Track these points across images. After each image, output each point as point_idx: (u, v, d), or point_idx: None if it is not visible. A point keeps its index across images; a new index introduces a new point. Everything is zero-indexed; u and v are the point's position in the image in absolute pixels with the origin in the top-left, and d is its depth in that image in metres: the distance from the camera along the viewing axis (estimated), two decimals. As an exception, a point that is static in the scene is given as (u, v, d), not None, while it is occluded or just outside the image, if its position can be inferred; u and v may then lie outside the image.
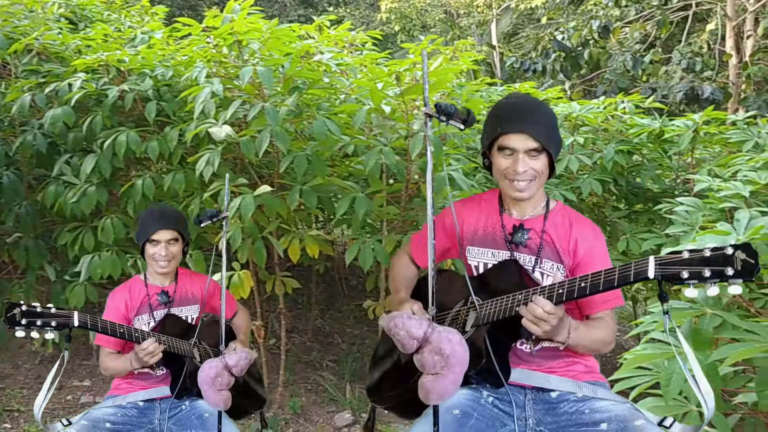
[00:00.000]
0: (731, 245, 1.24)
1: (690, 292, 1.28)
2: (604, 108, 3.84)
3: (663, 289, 1.33)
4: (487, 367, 1.56)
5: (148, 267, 2.32)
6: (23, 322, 1.89)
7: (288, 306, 5.41)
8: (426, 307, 1.60)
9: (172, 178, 3.04)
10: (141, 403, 2.12)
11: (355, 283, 5.76)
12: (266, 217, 3.07)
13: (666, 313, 1.35)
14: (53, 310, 1.93)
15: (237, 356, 1.98)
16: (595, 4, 7.41)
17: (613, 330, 1.65)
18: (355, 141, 2.83)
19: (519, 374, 1.63)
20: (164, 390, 2.14)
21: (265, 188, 2.69)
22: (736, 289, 1.24)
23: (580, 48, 6.96)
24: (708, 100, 6.07)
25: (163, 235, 2.20)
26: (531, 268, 1.66)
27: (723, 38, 7.50)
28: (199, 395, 2.01)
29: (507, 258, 1.68)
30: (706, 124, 3.67)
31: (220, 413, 1.98)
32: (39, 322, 1.91)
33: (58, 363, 1.90)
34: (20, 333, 1.91)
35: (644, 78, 7.05)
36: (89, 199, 3.18)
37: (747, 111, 6.24)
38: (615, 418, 1.49)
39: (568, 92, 8.69)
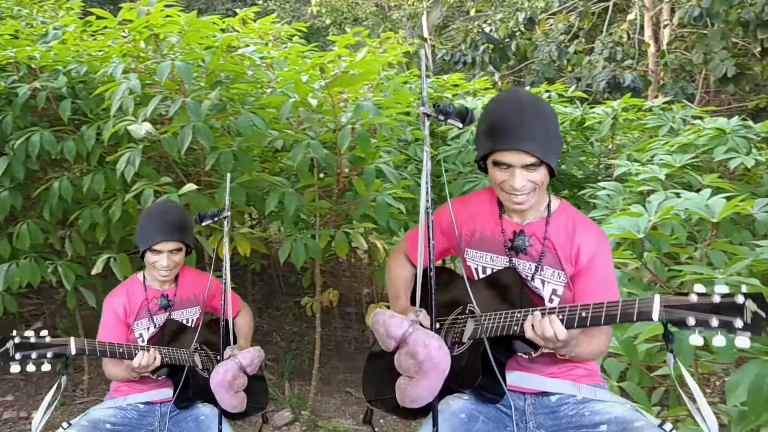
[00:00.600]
0: (743, 293, 1.17)
1: (695, 339, 1.21)
2: (530, 97, 3.94)
3: (668, 330, 1.29)
4: (483, 385, 1.52)
5: (147, 269, 2.20)
6: (17, 357, 1.79)
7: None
8: (429, 314, 1.52)
9: (91, 179, 2.91)
10: (141, 406, 2.09)
11: (293, 280, 5.70)
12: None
13: (671, 351, 1.31)
14: (48, 339, 1.84)
15: (251, 355, 1.96)
16: (521, -4, 7.59)
17: (609, 338, 1.61)
18: (283, 135, 2.79)
19: (518, 378, 1.61)
20: (164, 393, 2.10)
21: (191, 187, 2.61)
22: (743, 341, 1.16)
23: (508, 40, 7.10)
24: (629, 87, 6.32)
25: (166, 245, 2.07)
26: (531, 275, 1.60)
27: (642, 28, 7.82)
28: (209, 399, 1.99)
29: (506, 264, 1.63)
30: (625, 111, 3.82)
31: (220, 416, 1.94)
32: (34, 355, 1.81)
33: (55, 387, 1.84)
34: (15, 368, 1.80)
35: (569, 68, 7.27)
36: (3, 204, 3.01)
37: (665, 97, 6.54)
38: (615, 420, 1.46)
39: (499, 83, 8.87)
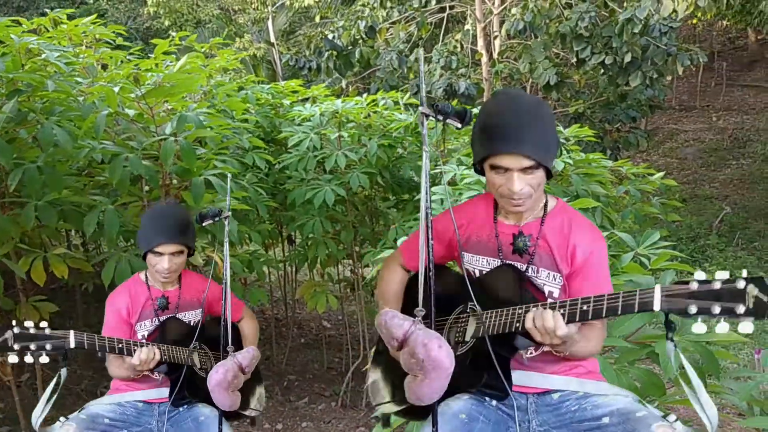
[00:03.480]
0: (744, 278, 1.17)
1: (698, 327, 1.21)
2: (367, 105, 4.03)
3: (669, 319, 1.28)
4: (488, 383, 1.52)
5: (148, 269, 2.17)
6: (16, 347, 1.78)
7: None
8: (429, 314, 1.51)
9: None
10: (140, 404, 2.09)
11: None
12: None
13: (671, 340, 1.31)
14: (48, 331, 1.83)
15: (249, 355, 1.99)
16: (363, 5, 7.74)
17: (603, 339, 1.60)
18: (100, 151, 2.59)
19: (520, 377, 1.58)
20: (163, 392, 2.10)
21: (-12, 207, 2.34)
22: (746, 326, 1.16)
23: (351, 47, 7.23)
24: (464, 95, 6.70)
25: (168, 248, 2.05)
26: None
27: (475, 38, 8.33)
28: (205, 400, 2.01)
29: (504, 264, 1.61)
30: (454, 117, 4.03)
31: (220, 417, 1.96)
32: (33, 347, 1.80)
33: (54, 381, 1.83)
34: (13, 358, 1.80)
35: (411, 75, 7.55)
36: None
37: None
38: (617, 412, 1.46)
39: (347, 90, 8.99)
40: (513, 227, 1.63)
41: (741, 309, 1.15)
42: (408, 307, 1.77)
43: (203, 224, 2.09)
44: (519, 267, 1.59)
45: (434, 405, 1.44)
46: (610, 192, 3.70)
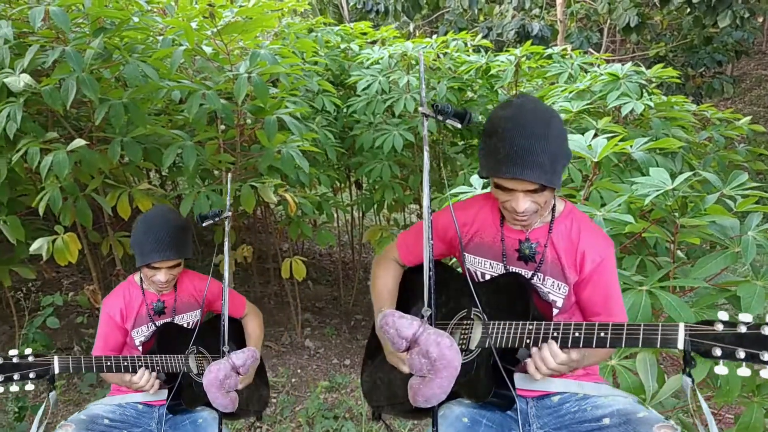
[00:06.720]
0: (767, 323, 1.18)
1: (720, 369, 1.22)
2: (437, 46, 3.94)
3: (690, 355, 1.27)
4: (495, 393, 1.51)
5: (143, 275, 2.11)
6: (0, 378, 1.80)
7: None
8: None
9: (-32, 138, 2.69)
10: (140, 406, 2.08)
11: (210, 238, 5.58)
12: (89, 173, 2.84)
13: (689, 375, 1.28)
14: (31, 359, 1.84)
15: (244, 356, 1.90)
16: (433, -56, 7.47)
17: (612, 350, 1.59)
18: (178, 87, 2.67)
19: (518, 380, 1.56)
20: (163, 394, 2.07)
21: (79, 142, 2.47)
22: None
23: (420, -12, 7.04)
24: (537, 37, 6.43)
25: (164, 264, 2.00)
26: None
27: (551, -22, 7.93)
28: (204, 405, 1.99)
29: (503, 271, 1.58)
30: (527, 58, 3.90)
31: (220, 419, 1.94)
32: (17, 376, 1.81)
33: (44, 405, 1.82)
34: None
35: (481, 17, 7.31)
36: None
37: (572, 46, 6.71)
38: (617, 413, 1.46)
39: (415, 33, 8.82)
40: (520, 233, 1.59)
41: (766, 356, 1.16)
42: (401, 302, 1.77)
43: (204, 224, 2.04)
44: (525, 275, 1.56)
45: (434, 406, 1.42)
46: (692, 137, 3.52)
